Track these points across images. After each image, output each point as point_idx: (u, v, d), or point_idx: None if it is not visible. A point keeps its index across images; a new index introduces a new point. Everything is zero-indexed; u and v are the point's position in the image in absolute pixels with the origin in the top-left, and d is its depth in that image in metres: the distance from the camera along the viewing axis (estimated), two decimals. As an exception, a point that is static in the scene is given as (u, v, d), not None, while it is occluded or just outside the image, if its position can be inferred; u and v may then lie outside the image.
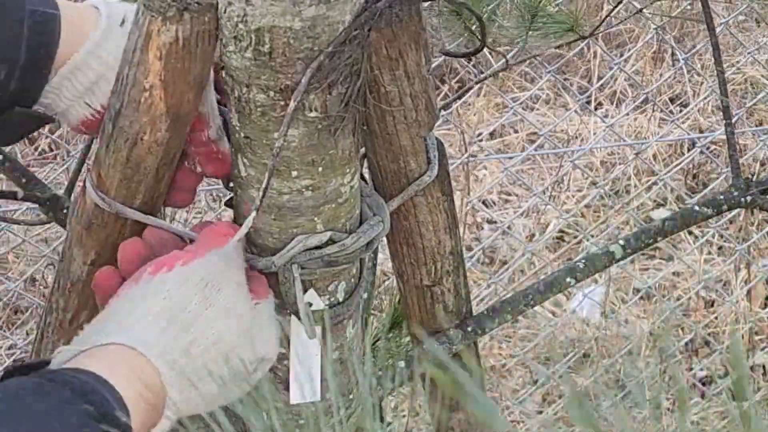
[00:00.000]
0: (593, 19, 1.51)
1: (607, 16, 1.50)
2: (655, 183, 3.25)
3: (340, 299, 1.08)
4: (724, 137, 1.46)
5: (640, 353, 2.95)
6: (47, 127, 3.20)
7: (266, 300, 1.00)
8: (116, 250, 1.01)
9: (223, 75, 0.94)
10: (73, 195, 1.19)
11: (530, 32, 1.41)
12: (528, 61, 3.43)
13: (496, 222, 3.16)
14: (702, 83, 3.51)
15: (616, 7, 1.47)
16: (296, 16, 0.88)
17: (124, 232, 1.03)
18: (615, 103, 3.55)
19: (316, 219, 1.01)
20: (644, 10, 1.60)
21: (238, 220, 1.04)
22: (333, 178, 0.99)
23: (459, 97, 1.57)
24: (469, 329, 1.23)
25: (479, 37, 1.29)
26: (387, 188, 1.08)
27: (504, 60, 1.40)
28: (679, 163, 3.21)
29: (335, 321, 1.08)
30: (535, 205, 3.23)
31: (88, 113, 1.01)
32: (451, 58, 3.35)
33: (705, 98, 3.42)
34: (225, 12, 0.90)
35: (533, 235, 3.20)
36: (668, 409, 2.81)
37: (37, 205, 1.37)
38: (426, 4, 1.15)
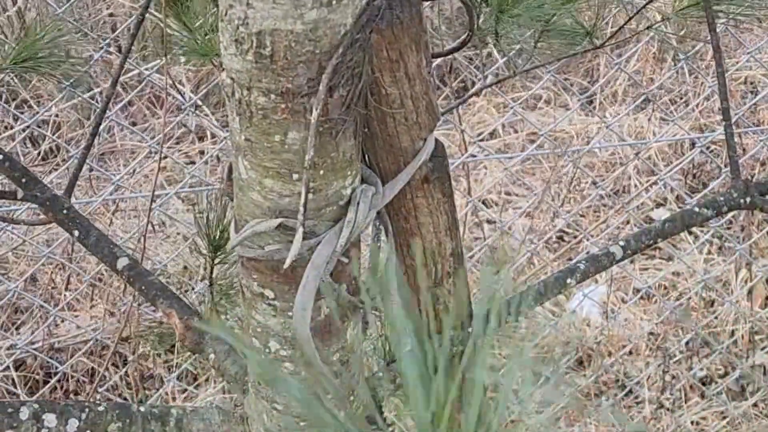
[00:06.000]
0: (600, 24, 1.50)
1: (617, 31, 1.50)
2: (655, 183, 3.24)
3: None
4: (724, 137, 1.45)
5: (640, 353, 2.94)
6: (49, 129, 3.20)
7: None
8: None
9: (224, 77, 0.94)
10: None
11: (540, 42, 1.40)
12: (529, 61, 3.43)
13: (496, 222, 3.15)
14: (702, 83, 3.51)
15: (628, 20, 1.47)
16: (298, 19, 0.88)
17: None
18: (616, 103, 3.54)
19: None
20: (645, 9, 1.59)
21: (238, 222, 1.04)
22: (334, 181, 0.99)
23: (462, 102, 1.57)
24: (470, 330, 1.23)
25: (476, 31, 1.28)
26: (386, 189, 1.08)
27: (510, 63, 1.39)
28: (679, 163, 3.21)
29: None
30: (535, 205, 3.23)
31: None
32: (451, 59, 3.34)
33: (705, 98, 3.42)
34: (226, 15, 0.90)
35: (533, 236, 3.20)
36: (668, 409, 2.81)
37: (37, 206, 1.36)
38: (426, 4, 1.15)
